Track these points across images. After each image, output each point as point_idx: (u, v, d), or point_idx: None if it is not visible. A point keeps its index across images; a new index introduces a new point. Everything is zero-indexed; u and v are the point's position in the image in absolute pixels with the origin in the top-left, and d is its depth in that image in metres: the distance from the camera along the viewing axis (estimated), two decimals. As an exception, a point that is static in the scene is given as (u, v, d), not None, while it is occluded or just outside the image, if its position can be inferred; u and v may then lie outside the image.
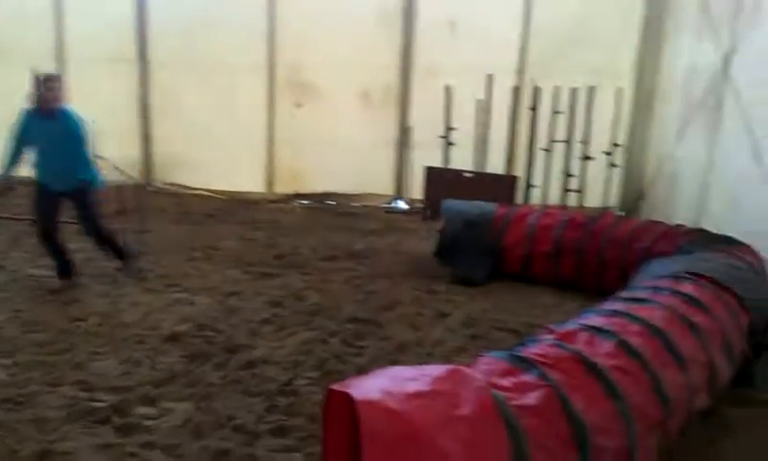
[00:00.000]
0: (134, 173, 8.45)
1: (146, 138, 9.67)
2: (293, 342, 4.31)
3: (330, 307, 5.01)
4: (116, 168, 7.51)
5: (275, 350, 4.16)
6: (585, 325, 3.00)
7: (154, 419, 3.21)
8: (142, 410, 3.29)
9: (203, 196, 9.53)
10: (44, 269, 5.49)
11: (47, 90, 4.79)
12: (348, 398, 2.30)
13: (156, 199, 8.74)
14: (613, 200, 9.15)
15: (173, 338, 4.25)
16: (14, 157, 4.93)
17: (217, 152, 9.51)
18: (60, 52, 9.39)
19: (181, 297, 5.13)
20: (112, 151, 7.74)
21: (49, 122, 4.83)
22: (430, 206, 8.28)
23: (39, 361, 3.80)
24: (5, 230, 6.85)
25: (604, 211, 8.00)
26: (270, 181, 9.73)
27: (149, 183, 9.40)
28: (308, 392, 3.59)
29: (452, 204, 6.34)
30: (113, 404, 3.31)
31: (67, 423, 3.12)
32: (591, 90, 8.67)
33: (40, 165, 4.95)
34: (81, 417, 3.18)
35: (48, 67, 9.41)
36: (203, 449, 2.94)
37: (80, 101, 8.71)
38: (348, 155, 9.33)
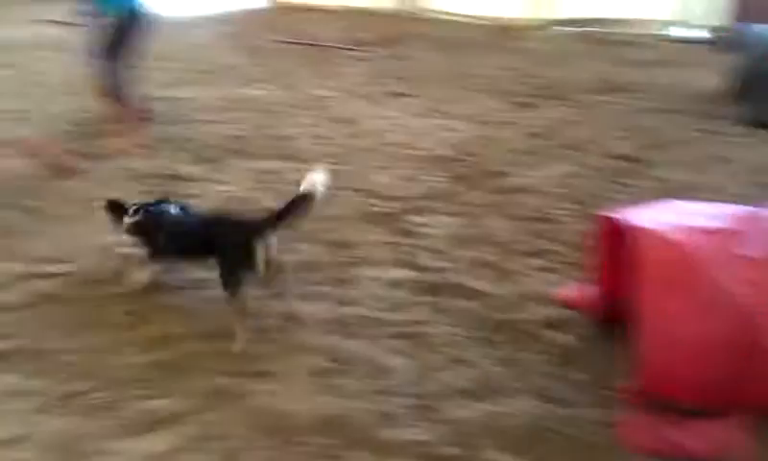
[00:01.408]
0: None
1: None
2: (552, 173, 4.30)
3: (593, 141, 4.81)
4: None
5: (533, 179, 4.21)
6: None
7: (425, 227, 3.59)
8: (415, 218, 3.68)
9: (462, 23, 9.46)
10: (327, 90, 6.17)
11: None
12: (620, 226, 2.28)
13: (416, 25, 8.94)
14: None
15: (437, 160, 4.55)
16: None
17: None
18: None
19: (443, 122, 5.37)
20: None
21: None
22: (726, 34, 7.04)
23: (330, 169, 4.40)
24: (291, 55, 7.69)
25: None
26: (533, 6, 9.19)
27: (409, 10, 9.59)
28: (567, 222, 3.63)
29: (757, 30, 5.31)
30: (392, 211, 3.76)
31: (357, 221, 3.65)
32: None
33: None
34: (367, 217, 3.69)
35: None
36: (469, 258, 3.23)
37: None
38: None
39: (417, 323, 2.71)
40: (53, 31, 8.79)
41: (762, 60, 5.07)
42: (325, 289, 2.95)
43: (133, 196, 3.20)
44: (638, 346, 2.03)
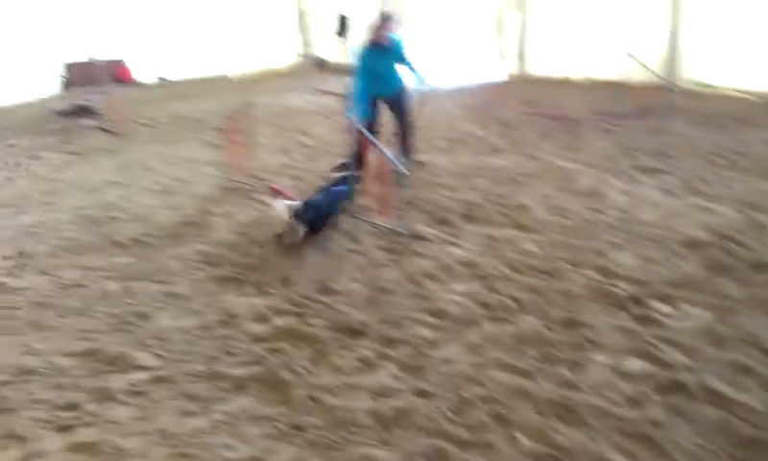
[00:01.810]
0: (661, 70, 8.17)
1: (673, 33, 9.14)
2: (842, 274, 3.56)
3: None
4: (642, 65, 7.44)
5: (815, 278, 3.53)
6: None
7: (670, 317, 3.23)
8: (659, 306, 3.34)
9: (731, 97, 8.53)
10: (571, 162, 6.04)
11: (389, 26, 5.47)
12: None
13: (678, 99, 8.29)
14: None
15: (691, 244, 4.09)
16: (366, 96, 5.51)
17: (753, 43, 8.25)
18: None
19: (701, 203, 4.83)
20: (640, 46, 7.67)
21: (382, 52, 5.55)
22: None
23: (565, 242, 4.27)
24: (535, 126, 7.74)
25: None
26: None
27: (672, 82, 8.97)
28: None
29: None
30: (631, 294, 3.47)
31: (589, 300, 3.45)
32: None
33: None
34: (601, 297, 3.46)
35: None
36: (723, 360, 2.81)
37: None
38: None
39: (653, 423, 2.43)
40: (326, 100, 10.20)
41: None
42: (551, 368, 2.82)
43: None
44: None
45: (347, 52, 13.58)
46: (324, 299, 3.60)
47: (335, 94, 9.50)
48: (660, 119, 7.42)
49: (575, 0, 10.22)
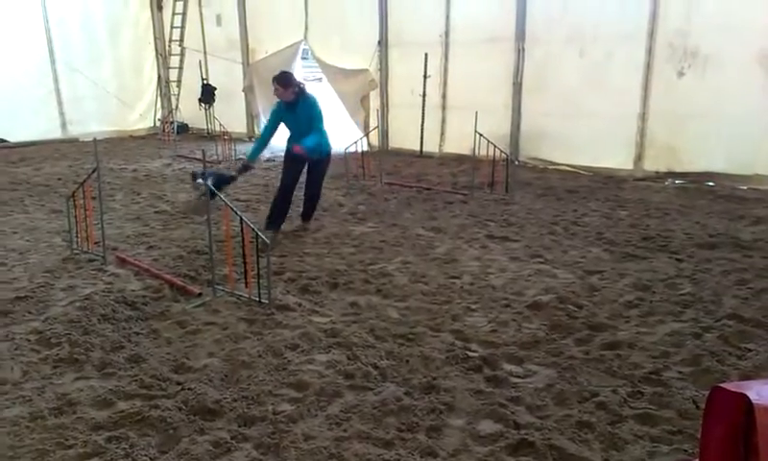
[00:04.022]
0: (505, 147, 8.96)
1: (517, 113, 10.13)
2: (661, 330, 4.02)
3: (707, 300, 4.49)
4: (489, 142, 8.11)
5: (640, 335, 3.95)
6: None
7: (519, 377, 3.42)
8: (509, 367, 3.54)
9: (566, 172, 9.55)
10: (429, 230, 6.35)
11: (279, 89, 5.91)
12: (742, 400, 2.05)
13: (521, 173, 9.12)
14: None
15: (536, 306, 4.42)
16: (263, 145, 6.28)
17: (584, 126, 9.39)
18: (446, 37, 10.60)
19: (544, 268, 5.28)
20: (487, 126, 8.40)
21: (292, 110, 6.00)
22: None
23: (424, 307, 4.42)
24: (396, 196, 8.09)
25: None
26: (639, 158, 9.13)
27: (515, 158, 9.86)
28: (679, 386, 3.31)
29: None
30: (484, 356, 3.64)
31: (447, 364, 3.57)
32: None
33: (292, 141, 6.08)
34: (457, 362, 3.60)
35: (433, 51, 10.72)
36: (566, 417, 3.01)
37: (460, 80, 9.64)
38: (735, 130, 8.09)
39: (506, 485, 2.51)
40: (186, 166, 9.91)
41: None
42: (409, 435, 2.85)
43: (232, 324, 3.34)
44: None
45: (209, 118, 13.42)
46: (176, 377, 3.37)
47: (195, 159, 9.27)
48: (505, 191, 8.09)
49: (428, 83, 11.02)
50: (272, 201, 6.32)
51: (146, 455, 2.67)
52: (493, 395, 3.22)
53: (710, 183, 8.41)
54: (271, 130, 6.19)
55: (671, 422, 2.98)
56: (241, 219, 4.44)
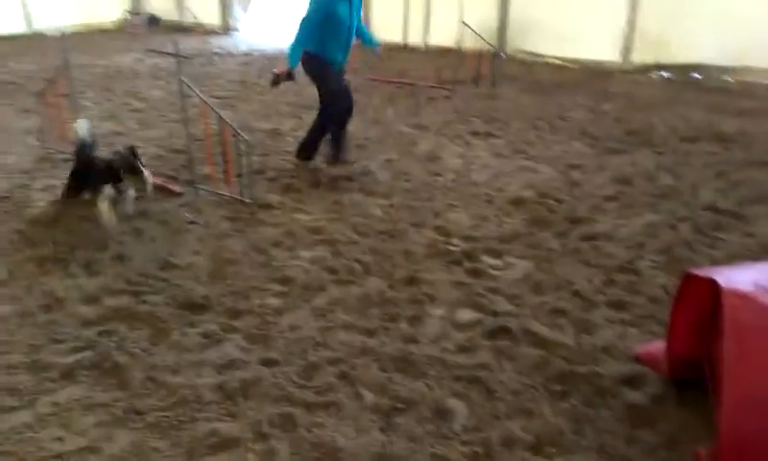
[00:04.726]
0: (492, 40, 8.71)
1: (503, 3, 9.76)
2: (638, 222, 4.11)
3: (685, 192, 4.57)
4: (475, 34, 7.86)
5: (617, 227, 4.05)
6: None
7: (498, 269, 3.53)
8: (489, 260, 3.63)
9: (554, 65, 9.36)
10: (412, 127, 6.27)
11: None
12: (710, 285, 2.14)
13: (507, 66, 8.91)
14: None
15: (517, 201, 4.48)
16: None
17: (573, 18, 9.09)
18: None
19: (526, 164, 5.29)
20: (475, 18, 8.11)
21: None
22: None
23: (407, 205, 4.46)
24: (379, 92, 7.90)
25: None
26: (627, 50, 8.95)
27: (502, 51, 9.59)
28: (651, 274, 3.44)
29: None
30: (465, 250, 3.73)
31: (428, 258, 3.65)
32: None
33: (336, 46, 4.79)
34: (439, 255, 3.68)
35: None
36: (541, 304, 3.14)
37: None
38: (725, 21, 7.90)
39: (483, 367, 2.65)
40: (158, 61, 9.53)
41: None
42: (392, 325, 2.96)
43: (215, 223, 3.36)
44: (718, 412, 1.88)
45: (181, 10, 12.75)
46: (162, 275, 3.42)
47: (168, 54, 8.88)
48: (491, 86, 7.94)
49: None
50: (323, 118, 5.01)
51: (137, 347, 2.76)
52: (473, 285, 3.32)
53: (697, 75, 8.32)
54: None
55: (642, 307, 3.12)
56: (219, 117, 4.34)
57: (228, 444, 2.24)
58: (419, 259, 3.63)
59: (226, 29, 13.16)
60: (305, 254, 3.71)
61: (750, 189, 4.61)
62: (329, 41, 4.71)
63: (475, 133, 6.14)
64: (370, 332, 2.90)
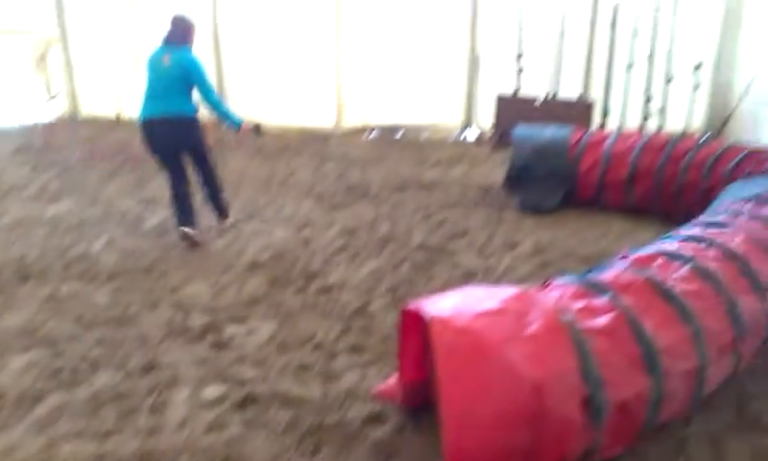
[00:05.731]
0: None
1: (219, 71, 9.95)
2: (366, 269, 4.49)
3: (401, 235, 5.15)
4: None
5: (349, 276, 4.36)
6: (660, 250, 2.97)
7: (243, 336, 3.50)
8: (232, 328, 3.58)
9: (276, 131, 9.79)
10: (138, 202, 5.92)
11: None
12: (421, 316, 2.45)
13: (231, 134, 9.01)
14: (697, 123, 8.67)
15: (255, 265, 4.53)
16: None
17: (289, 86, 9.70)
18: None
19: (262, 227, 5.40)
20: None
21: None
22: (501, 135, 8.17)
23: (138, 286, 4.17)
24: (96, 168, 7.30)
25: (685, 135, 7.62)
26: (339, 115, 9.84)
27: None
28: (382, 315, 3.78)
29: (523, 130, 6.23)
30: (206, 323, 3.62)
31: (167, 339, 3.45)
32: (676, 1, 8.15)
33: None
34: (179, 334, 3.51)
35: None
36: (288, 363, 3.20)
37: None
38: (418, 85, 9.32)
39: (233, 442, 2.58)
40: None
41: (532, 154, 5.92)
42: (129, 420, 2.71)
43: None
44: (442, 430, 2.14)
45: None
46: None
47: None
48: (222, 153, 7.95)
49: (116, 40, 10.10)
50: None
51: None
52: (218, 359, 3.24)
53: (404, 134, 9.56)
54: None
55: (377, 347, 3.40)
56: None
57: None
58: (156, 342, 3.41)
59: None
60: (18, 360, 3.20)
61: (450, 227, 5.40)
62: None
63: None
64: (103, 436, 2.61)
